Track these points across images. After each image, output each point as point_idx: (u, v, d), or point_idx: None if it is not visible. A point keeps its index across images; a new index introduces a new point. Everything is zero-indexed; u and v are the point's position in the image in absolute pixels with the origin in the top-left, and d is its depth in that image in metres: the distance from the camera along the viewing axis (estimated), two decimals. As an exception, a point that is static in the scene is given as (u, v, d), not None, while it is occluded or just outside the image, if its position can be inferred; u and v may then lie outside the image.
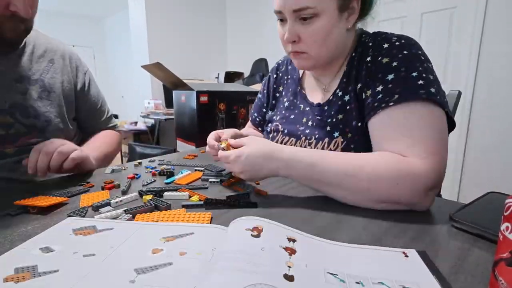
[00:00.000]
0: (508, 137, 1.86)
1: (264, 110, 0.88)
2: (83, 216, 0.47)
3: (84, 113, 0.92)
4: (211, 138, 0.68)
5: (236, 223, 0.38)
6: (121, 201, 0.52)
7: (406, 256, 0.35)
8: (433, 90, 0.52)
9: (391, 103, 0.53)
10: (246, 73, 3.53)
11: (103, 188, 0.60)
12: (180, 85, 1.92)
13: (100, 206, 0.50)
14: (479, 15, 1.89)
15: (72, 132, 0.86)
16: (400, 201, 0.48)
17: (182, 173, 0.70)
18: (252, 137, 0.58)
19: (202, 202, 0.51)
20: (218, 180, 0.64)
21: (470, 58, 1.96)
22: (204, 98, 1.78)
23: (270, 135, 0.79)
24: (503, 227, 0.26)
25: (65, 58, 0.86)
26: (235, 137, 0.69)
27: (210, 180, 0.64)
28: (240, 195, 0.55)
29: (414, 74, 0.53)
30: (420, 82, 0.52)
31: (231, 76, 3.47)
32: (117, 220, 0.45)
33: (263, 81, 0.91)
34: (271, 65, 3.25)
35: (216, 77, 3.58)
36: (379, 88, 0.56)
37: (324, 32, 0.59)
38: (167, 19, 3.43)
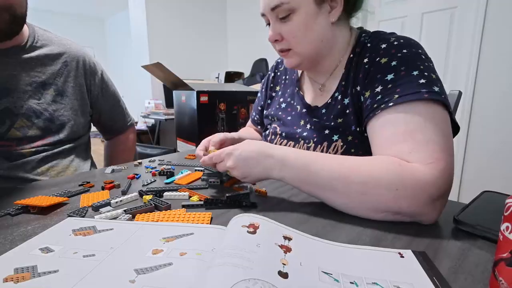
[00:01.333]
0: (508, 137, 1.85)
1: (260, 108, 0.88)
2: (83, 216, 0.47)
3: (107, 114, 0.98)
4: (199, 150, 0.69)
5: (233, 221, 0.38)
6: (121, 201, 0.52)
7: (402, 256, 0.35)
8: (436, 89, 0.48)
9: (391, 103, 0.49)
10: (246, 73, 3.53)
11: (103, 188, 0.60)
12: (180, 85, 1.92)
13: (100, 206, 0.50)
14: (479, 15, 1.89)
15: (84, 131, 0.89)
16: (401, 210, 0.43)
17: (182, 173, 0.70)
18: (246, 140, 0.56)
19: (202, 202, 0.51)
20: (218, 180, 0.64)
21: (471, 58, 1.95)
22: (204, 98, 1.78)
23: (268, 138, 0.78)
24: (503, 227, 0.26)
25: (79, 61, 0.87)
26: (223, 141, 0.72)
27: (210, 180, 0.64)
28: (240, 195, 0.55)
29: (415, 73, 0.50)
30: (422, 81, 0.49)
31: (231, 76, 3.47)
32: (117, 220, 0.45)
33: (263, 80, 0.90)
34: (271, 65, 3.26)
35: (216, 77, 3.58)
36: (378, 89, 0.53)
37: (302, 27, 0.58)
38: (167, 19, 3.43)
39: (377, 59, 0.56)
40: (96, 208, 0.50)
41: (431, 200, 0.42)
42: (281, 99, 0.79)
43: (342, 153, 0.61)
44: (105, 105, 0.97)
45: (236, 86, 2.26)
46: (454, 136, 0.52)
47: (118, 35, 5.70)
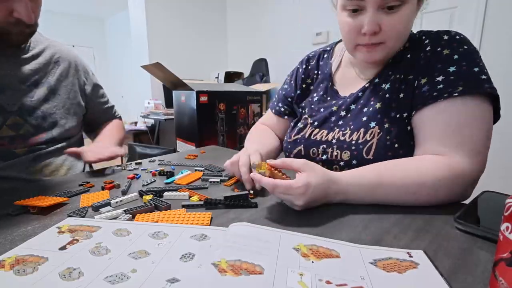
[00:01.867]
0: (508, 137, 1.85)
1: (290, 99, 0.84)
2: (83, 216, 0.47)
3: (96, 114, 1.01)
4: (243, 167, 0.59)
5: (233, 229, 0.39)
6: (121, 201, 0.52)
7: (411, 256, 0.35)
8: (493, 85, 0.54)
9: (456, 93, 0.53)
10: (246, 73, 3.53)
11: (103, 188, 0.60)
12: (180, 85, 1.92)
13: (100, 206, 0.50)
14: (479, 15, 1.89)
15: (76, 131, 0.91)
16: (451, 201, 0.52)
17: (182, 173, 0.70)
18: (306, 161, 0.50)
19: (202, 202, 0.51)
20: (218, 180, 0.64)
21: (470, 58, 1.96)
22: (204, 98, 1.78)
23: (297, 128, 0.75)
24: (503, 227, 0.26)
25: (71, 61, 0.90)
26: (263, 157, 0.66)
27: (210, 180, 0.64)
28: (240, 195, 0.55)
29: (476, 69, 0.54)
30: (483, 77, 0.54)
31: (231, 76, 3.47)
32: (117, 220, 0.45)
33: (290, 73, 0.88)
34: (271, 65, 3.27)
35: (216, 77, 3.58)
36: (439, 78, 0.56)
37: (407, 20, 0.57)
38: (167, 19, 3.42)
39: (438, 49, 0.58)
40: (96, 208, 0.50)
41: (470, 186, 0.53)
42: (314, 94, 0.78)
43: (378, 139, 0.60)
44: (98, 105, 1.00)
45: (236, 86, 2.26)
46: (494, 123, 0.58)
47: (118, 35, 5.69)
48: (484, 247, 0.38)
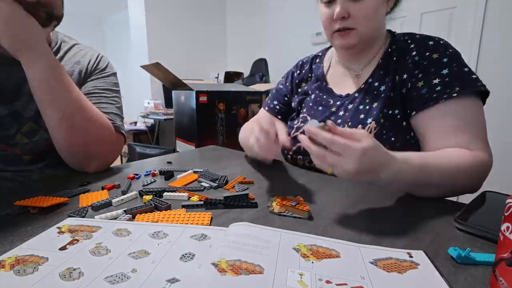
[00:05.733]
0: (508, 137, 1.86)
1: (286, 99, 0.89)
2: (83, 216, 0.47)
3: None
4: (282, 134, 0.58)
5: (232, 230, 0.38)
6: (122, 200, 0.52)
7: (411, 256, 0.35)
8: (482, 83, 0.59)
9: (454, 94, 0.58)
10: (246, 73, 3.53)
11: (103, 188, 0.59)
12: (179, 85, 1.92)
13: (100, 206, 0.50)
14: (478, 15, 1.89)
15: None
16: (474, 190, 0.56)
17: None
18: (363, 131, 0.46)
19: (202, 202, 0.51)
20: (216, 184, 0.61)
21: (470, 58, 1.96)
22: (203, 98, 1.78)
23: (296, 125, 0.79)
24: (503, 227, 0.26)
25: (91, 64, 0.82)
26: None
27: (202, 183, 0.62)
28: (240, 195, 0.55)
29: (466, 69, 0.60)
30: (474, 76, 0.59)
31: (230, 76, 3.47)
32: (117, 220, 0.45)
33: (285, 75, 0.93)
34: (271, 65, 3.27)
35: (215, 77, 3.58)
36: (436, 81, 0.61)
37: (373, 8, 0.64)
38: (166, 19, 3.42)
39: (427, 54, 0.63)
40: (96, 208, 0.50)
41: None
42: (310, 94, 0.82)
43: (375, 134, 0.64)
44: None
45: (235, 86, 2.26)
46: None
47: (118, 35, 5.69)
48: (484, 247, 0.38)
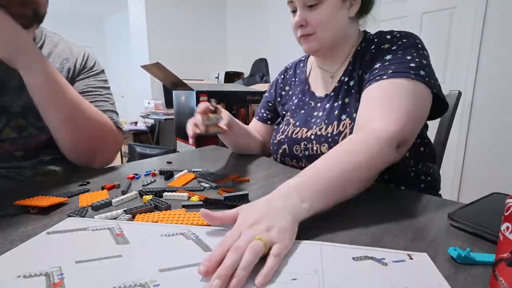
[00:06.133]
0: (508, 137, 1.86)
1: (271, 105, 0.94)
2: (83, 216, 0.47)
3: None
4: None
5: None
6: (122, 200, 0.52)
7: (411, 258, 0.35)
8: (422, 72, 0.59)
9: (385, 76, 0.60)
10: (246, 73, 3.53)
11: (102, 188, 0.60)
12: (180, 85, 1.92)
13: (100, 206, 0.50)
14: (479, 15, 1.89)
15: None
16: (383, 163, 0.54)
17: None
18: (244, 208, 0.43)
19: (202, 202, 0.51)
20: (215, 185, 0.62)
21: (470, 58, 1.96)
22: (204, 98, 1.78)
23: (281, 129, 0.82)
24: (503, 227, 0.26)
25: (79, 61, 0.83)
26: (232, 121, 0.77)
27: (204, 183, 0.62)
28: (240, 195, 0.55)
29: (408, 57, 0.61)
30: (412, 64, 0.60)
31: (231, 76, 3.47)
32: (117, 220, 0.45)
33: (271, 83, 0.97)
34: (271, 65, 3.27)
35: (216, 77, 3.58)
36: (377, 66, 0.64)
37: (328, 15, 0.68)
38: (167, 19, 3.42)
39: (381, 46, 0.67)
40: (96, 208, 0.50)
41: (395, 146, 0.54)
42: (293, 97, 0.86)
43: (350, 129, 0.66)
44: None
45: (236, 86, 2.26)
46: (443, 114, 0.68)
47: (118, 35, 5.69)
48: (484, 247, 0.38)
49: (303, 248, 0.37)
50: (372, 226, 0.44)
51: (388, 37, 0.68)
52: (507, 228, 0.25)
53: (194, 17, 3.62)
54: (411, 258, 0.35)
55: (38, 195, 0.53)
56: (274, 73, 3.22)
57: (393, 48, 0.65)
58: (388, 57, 0.64)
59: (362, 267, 0.33)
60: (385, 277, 0.31)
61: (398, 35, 0.67)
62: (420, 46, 0.65)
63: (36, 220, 0.46)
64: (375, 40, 0.70)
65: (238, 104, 1.94)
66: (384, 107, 0.57)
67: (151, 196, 0.54)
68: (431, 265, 0.33)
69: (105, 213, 0.47)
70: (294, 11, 0.72)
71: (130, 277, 0.30)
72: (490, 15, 1.85)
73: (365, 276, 0.31)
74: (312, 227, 0.43)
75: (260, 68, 3.32)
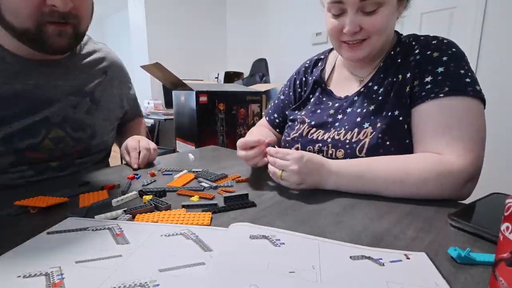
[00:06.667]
0: (508, 138, 1.86)
1: (287, 112, 0.87)
2: (83, 216, 0.47)
3: (130, 115, 1.00)
4: (245, 145, 0.65)
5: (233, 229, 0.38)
6: (122, 200, 0.52)
7: (408, 258, 0.35)
8: (478, 88, 0.57)
9: (441, 94, 0.57)
10: (246, 73, 3.53)
11: (102, 188, 0.59)
12: (179, 85, 1.92)
13: (100, 206, 0.50)
14: (478, 15, 1.89)
15: (112, 142, 0.90)
16: (443, 196, 0.53)
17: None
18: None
19: (201, 202, 0.51)
20: (215, 185, 0.62)
21: (470, 58, 1.93)
22: (203, 98, 1.78)
23: (296, 127, 0.78)
24: (503, 227, 0.26)
25: (117, 72, 0.87)
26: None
27: (202, 183, 0.62)
28: (240, 195, 0.55)
29: (462, 71, 0.58)
30: (467, 80, 0.57)
31: (231, 76, 3.47)
32: (117, 220, 0.45)
33: (286, 82, 0.91)
34: (271, 65, 3.27)
35: (216, 77, 3.58)
36: (428, 79, 0.60)
37: (386, 21, 0.62)
38: (166, 19, 3.42)
39: (428, 53, 0.62)
40: (96, 208, 0.49)
41: (464, 184, 0.53)
42: (311, 98, 0.81)
43: (371, 138, 0.63)
44: (131, 116, 1.00)
45: (236, 86, 2.26)
46: None
47: (117, 34, 5.69)
48: (484, 247, 0.38)
49: (301, 242, 0.37)
50: (372, 226, 0.44)
51: (434, 42, 0.63)
52: (507, 228, 0.25)
53: (194, 17, 3.62)
54: (408, 258, 0.35)
55: (38, 195, 0.53)
56: (274, 73, 3.22)
57: (443, 58, 0.60)
58: (440, 69, 0.59)
59: (359, 266, 0.33)
60: (381, 277, 0.31)
61: (445, 41, 0.63)
62: (466, 58, 0.61)
63: (36, 220, 0.46)
64: (416, 45, 0.65)
65: (238, 104, 1.94)
66: (451, 139, 0.55)
67: (151, 196, 0.54)
68: (429, 265, 0.33)
69: (105, 213, 0.47)
70: (336, 15, 0.64)
71: (130, 277, 0.31)
72: (490, 15, 1.85)
73: (361, 275, 0.31)
74: (312, 227, 0.43)
75: (260, 68, 3.32)
